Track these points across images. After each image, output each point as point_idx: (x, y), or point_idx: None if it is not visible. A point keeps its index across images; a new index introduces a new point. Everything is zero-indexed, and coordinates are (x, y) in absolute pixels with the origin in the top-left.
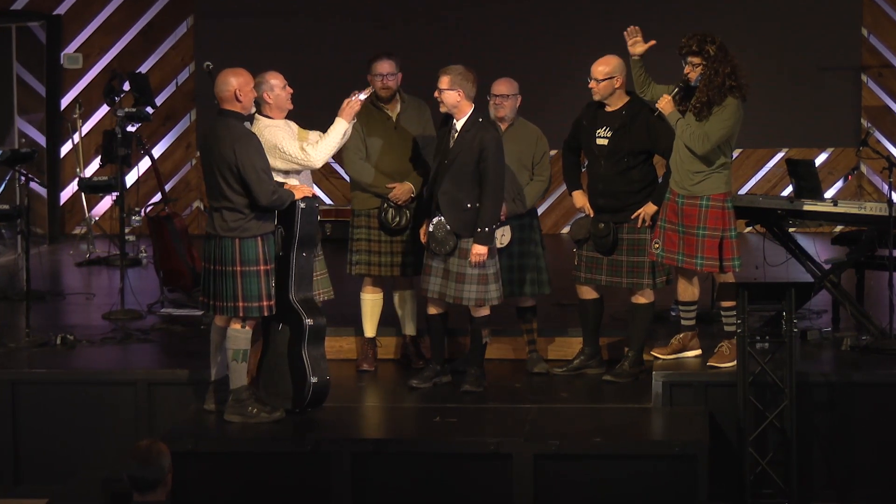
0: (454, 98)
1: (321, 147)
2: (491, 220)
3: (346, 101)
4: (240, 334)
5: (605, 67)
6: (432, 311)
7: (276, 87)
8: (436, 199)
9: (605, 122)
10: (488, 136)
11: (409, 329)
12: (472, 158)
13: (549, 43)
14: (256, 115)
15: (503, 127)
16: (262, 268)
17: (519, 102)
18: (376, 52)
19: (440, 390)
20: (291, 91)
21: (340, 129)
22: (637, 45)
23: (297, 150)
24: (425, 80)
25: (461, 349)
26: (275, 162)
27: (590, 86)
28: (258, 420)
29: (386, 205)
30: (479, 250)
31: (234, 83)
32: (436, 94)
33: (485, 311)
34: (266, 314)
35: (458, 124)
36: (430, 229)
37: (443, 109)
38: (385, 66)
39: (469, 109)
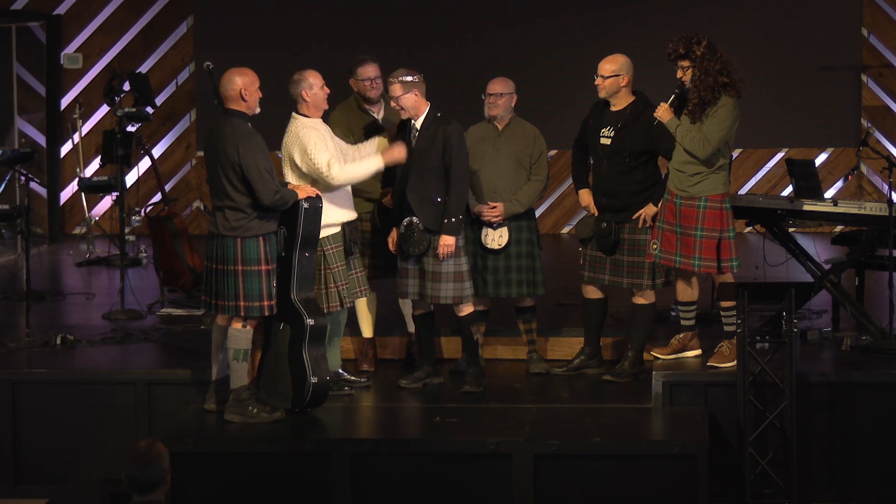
0: (412, 101)
1: (347, 171)
2: (457, 210)
3: (396, 145)
4: (241, 334)
5: (611, 65)
6: (417, 311)
7: (315, 85)
8: (405, 201)
9: (609, 122)
10: (450, 128)
11: (413, 328)
12: (436, 153)
13: (550, 43)
14: (294, 114)
15: (500, 126)
16: (263, 267)
17: (515, 101)
18: (360, 57)
19: (440, 390)
20: (328, 91)
21: (374, 166)
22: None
23: (323, 163)
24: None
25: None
26: (301, 163)
27: (596, 83)
28: (258, 420)
29: (378, 209)
30: (448, 241)
31: (240, 83)
32: (393, 104)
33: (469, 309)
34: (267, 314)
35: (418, 123)
36: (402, 231)
37: (404, 115)
38: (371, 71)
39: (426, 107)
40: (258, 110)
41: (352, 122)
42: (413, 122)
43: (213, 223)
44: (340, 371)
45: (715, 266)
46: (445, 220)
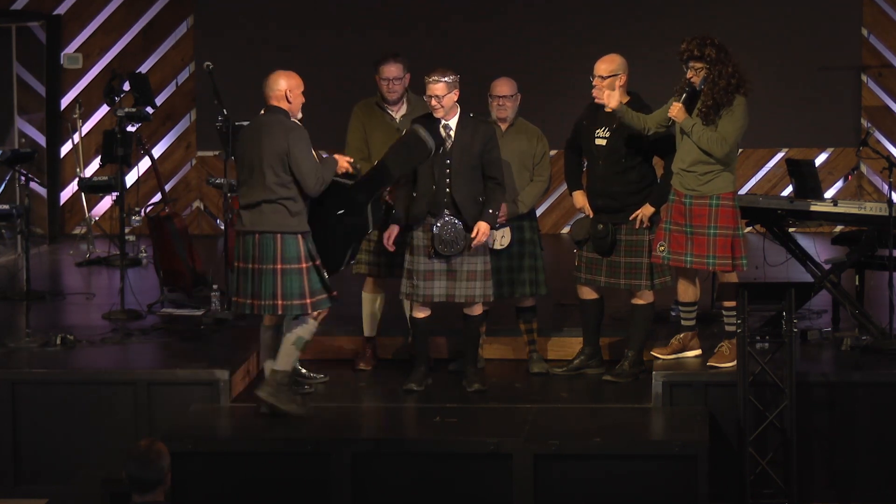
0: (453, 100)
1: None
2: (500, 203)
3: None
4: (311, 324)
5: (608, 65)
6: (420, 314)
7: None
8: (441, 200)
9: (605, 123)
10: (486, 126)
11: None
12: (476, 152)
13: (549, 43)
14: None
15: (503, 127)
16: (304, 265)
17: (518, 101)
18: (383, 54)
19: (440, 390)
20: (302, 100)
21: (329, 170)
22: (611, 99)
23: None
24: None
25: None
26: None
27: (593, 83)
28: (286, 409)
29: (387, 206)
30: (486, 228)
31: (285, 84)
32: (434, 102)
33: (479, 309)
34: (309, 312)
35: (452, 123)
36: (436, 231)
37: (440, 115)
38: (392, 71)
39: (458, 108)
40: (300, 115)
41: (368, 119)
42: (443, 122)
43: (242, 222)
44: (299, 367)
45: (730, 264)
46: (490, 211)
